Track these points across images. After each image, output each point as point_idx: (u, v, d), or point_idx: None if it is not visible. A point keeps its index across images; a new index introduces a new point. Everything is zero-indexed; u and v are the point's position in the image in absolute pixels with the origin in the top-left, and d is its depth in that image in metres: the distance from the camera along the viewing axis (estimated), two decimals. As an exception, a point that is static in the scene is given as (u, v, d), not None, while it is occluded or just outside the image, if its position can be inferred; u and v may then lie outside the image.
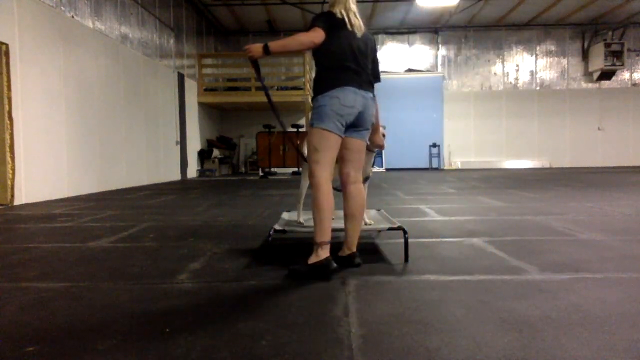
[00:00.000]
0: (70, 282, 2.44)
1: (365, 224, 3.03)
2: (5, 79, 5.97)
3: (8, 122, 5.99)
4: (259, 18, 15.04)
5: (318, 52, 2.57)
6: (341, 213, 2.76)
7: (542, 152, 16.44)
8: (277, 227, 2.97)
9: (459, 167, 16.40)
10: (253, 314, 1.93)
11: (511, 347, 1.57)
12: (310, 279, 2.41)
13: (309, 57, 13.60)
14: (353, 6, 2.62)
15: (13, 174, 6.06)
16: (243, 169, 16.51)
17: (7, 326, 1.83)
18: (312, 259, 2.45)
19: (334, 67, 2.54)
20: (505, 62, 16.60)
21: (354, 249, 2.68)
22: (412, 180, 10.16)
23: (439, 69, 16.55)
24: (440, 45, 16.61)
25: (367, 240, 3.44)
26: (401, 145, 15.49)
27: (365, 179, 3.07)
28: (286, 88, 14.13)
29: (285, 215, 3.52)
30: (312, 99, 2.59)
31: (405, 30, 16.54)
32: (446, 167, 16.38)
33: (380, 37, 16.40)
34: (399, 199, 6.42)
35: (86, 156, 7.76)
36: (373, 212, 3.64)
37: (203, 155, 13.81)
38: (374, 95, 2.67)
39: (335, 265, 2.47)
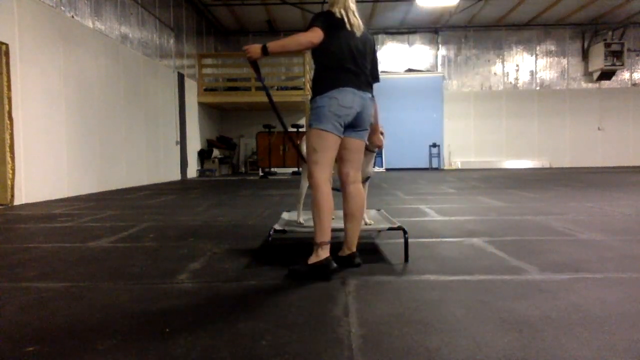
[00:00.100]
0: (70, 282, 2.44)
1: (365, 224, 3.03)
2: (5, 79, 5.97)
3: (8, 122, 5.99)
4: (259, 18, 15.04)
5: (317, 52, 2.57)
6: (341, 213, 2.76)
7: (542, 152, 16.44)
8: (277, 227, 2.97)
9: (459, 167, 16.40)
10: (253, 314, 1.93)
11: (511, 347, 1.57)
12: (310, 279, 2.41)
13: (308, 57, 13.60)
14: (352, 5, 2.62)
15: (13, 174, 6.06)
16: (243, 169, 16.51)
17: (7, 326, 1.83)
18: (312, 259, 2.45)
19: (332, 67, 2.54)
20: (505, 62, 16.60)
21: (354, 249, 2.68)
22: (412, 180, 10.16)
23: (439, 69, 16.55)
24: (440, 45, 16.61)
25: (367, 240, 3.44)
26: (401, 145, 15.49)
27: (366, 179, 3.07)
28: (286, 88, 14.13)
29: (285, 215, 3.52)
30: (311, 100, 2.59)
31: (405, 30, 16.54)
32: (446, 167, 16.38)
33: (380, 37, 16.40)
34: (399, 199, 6.42)
35: (86, 156, 7.76)
36: (373, 212, 3.64)
37: (203, 155, 13.81)
38: (372, 96, 2.67)
39: (335, 265, 2.47)
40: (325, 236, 2.47)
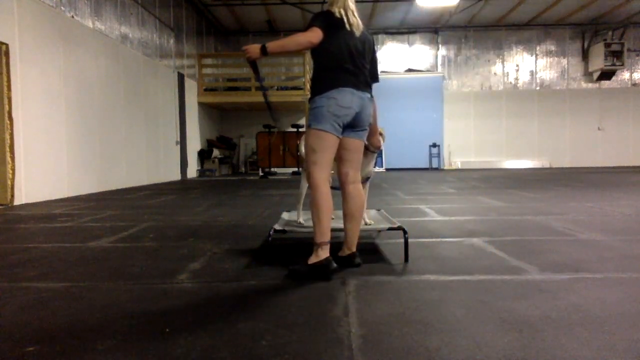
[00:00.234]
0: (70, 282, 2.44)
1: (365, 224, 3.03)
2: (5, 79, 5.97)
3: (8, 122, 5.99)
4: (259, 18, 15.05)
5: (316, 52, 2.57)
6: (341, 213, 2.76)
7: (542, 152, 16.44)
8: (277, 227, 2.97)
9: (459, 167, 16.40)
10: (253, 314, 1.93)
11: (511, 347, 1.57)
12: (310, 279, 2.41)
13: (308, 56, 13.59)
14: (352, 5, 2.62)
15: (13, 174, 6.06)
16: (243, 169, 16.51)
17: (7, 326, 1.83)
18: (312, 259, 2.45)
19: (331, 67, 2.54)
20: (505, 62, 16.60)
21: (354, 249, 2.68)
22: (412, 180, 10.16)
23: (439, 69, 16.55)
24: (440, 45, 16.61)
25: (367, 240, 3.44)
26: (401, 145, 15.50)
27: (366, 179, 3.07)
28: (286, 88, 14.13)
29: (285, 215, 3.52)
30: (310, 100, 2.59)
31: (405, 30, 16.54)
32: (446, 167, 16.38)
33: (380, 37, 16.40)
34: (399, 199, 6.42)
35: (86, 156, 7.76)
36: (373, 212, 3.64)
37: (203, 155, 13.81)
38: (371, 96, 2.67)
39: (335, 265, 2.47)
40: (325, 236, 2.47)
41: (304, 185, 3.12)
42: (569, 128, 16.45)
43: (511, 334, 1.68)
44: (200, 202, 6.25)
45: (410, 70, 16.36)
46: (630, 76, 16.49)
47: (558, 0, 13.80)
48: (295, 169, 13.76)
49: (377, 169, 15.31)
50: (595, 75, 16.21)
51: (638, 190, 7.14)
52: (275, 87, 14.17)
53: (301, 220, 3.19)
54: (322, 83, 2.54)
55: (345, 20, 2.57)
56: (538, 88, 16.58)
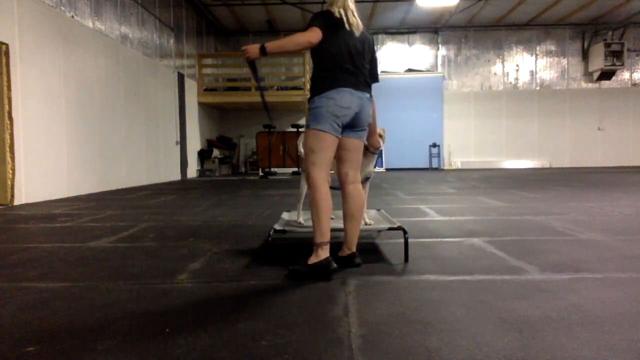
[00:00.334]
0: (70, 282, 2.44)
1: (365, 224, 3.03)
2: (5, 79, 5.97)
3: (8, 122, 5.99)
4: (259, 18, 15.05)
5: (315, 52, 2.57)
6: (341, 213, 2.76)
7: (542, 152, 16.44)
8: (277, 227, 2.97)
9: (459, 167, 16.40)
10: (253, 314, 1.93)
11: (511, 347, 1.57)
12: (310, 279, 2.41)
13: (308, 56, 13.59)
14: (351, 5, 2.61)
15: (13, 174, 6.06)
16: (243, 169, 16.51)
17: (7, 326, 1.83)
18: (312, 260, 2.45)
19: (330, 67, 2.54)
20: (505, 62, 16.60)
21: (354, 249, 2.68)
22: (412, 180, 10.16)
23: (439, 69, 16.55)
24: (440, 45, 16.61)
25: (367, 240, 3.44)
26: (401, 145, 15.50)
27: (366, 179, 3.07)
28: (286, 88, 14.14)
29: (285, 215, 3.52)
30: (309, 100, 2.59)
31: (405, 30, 16.54)
32: (446, 167, 16.38)
33: (380, 37, 16.41)
34: (399, 199, 6.42)
35: (86, 156, 7.76)
36: (373, 212, 3.63)
37: (203, 155, 13.81)
38: (370, 96, 2.66)
39: (335, 265, 2.47)
40: (325, 236, 2.47)
41: (304, 185, 3.12)
42: (569, 128, 16.45)
43: (511, 334, 1.68)
44: (200, 202, 6.25)
45: (410, 70, 16.36)
46: (630, 76, 16.49)
47: (558, 0, 13.80)
48: (295, 169, 13.76)
49: (376, 169, 15.31)
50: (595, 75, 16.22)
51: (638, 190, 7.14)
52: (275, 87, 14.17)
53: (301, 220, 3.19)
54: (321, 83, 2.54)
55: (345, 20, 2.56)
56: (538, 88, 16.58)
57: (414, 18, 15.35)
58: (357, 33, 2.59)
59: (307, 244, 2.98)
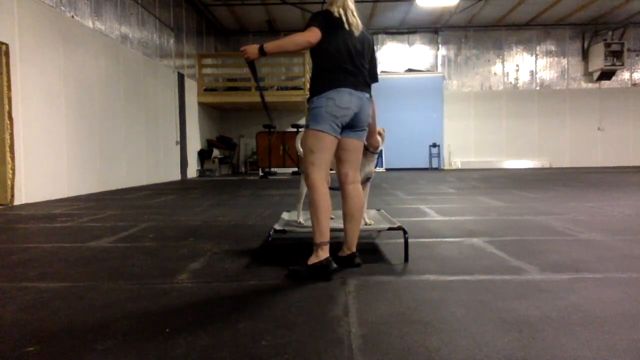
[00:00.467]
0: (70, 282, 2.44)
1: (365, 224, 3.03)
2: (5, 79, 5.97)
3: (8, 122, 5.99)
4: (259, 18, 15.05)
5: (315, 52, 2.56)
6: (341, 213, 2.76)
7: (542, 152, 16.44)
8: (277, 227, 2.97)
9: (459, 167, 16.40)
10: (253, 314, 1.93)
11: (511, 347, 1.57)
12: (310, 279, 2.41)
13: (308, 56, 13.58)
14: (351, 5, 2.61)
15: (13, 174, 6.06)
16: (243, 169, 16.51)
17: (7, 326, 1.83)
18: (312, 260, 2.45)
19: (330, 67, 2.54)
20: (505, 62, 16.60)
21: (354, 249, 2.68)
22: (412, 180, 10.16)
23: (439, 69, 16.55)
24: (440, 45, 16.61)
25: (367, 240, 3.44)
26: (401, 145, 15.50)
27: (367, 180, 3.07)
28: (286, 88, 14.14)
29: (285, 215, 3.52)
30: (308, 100, 2.59)
31: (405, 30, 16.53)
32: (446, 167, 16.38)
33: (380, 37, 16.40)
34: (399, 199, 6.42)
35: (86, 156, 7.76)
36: (373, 212, 3.63)
37: (203, 155, 13.81)
38: (370, 96, 2.66)
39: (335, 265, 2.47)
40: (324, 236, 2.47)
41: (304, 185, 3.12)
42: (569, 128, 16.45)
43: (511, 334, 1.68)
44: (200, 202, 6.25)
45: (410, 70, 16.36)
46: (630, 76, 16.49)
47: (558, 0, 13.79)
48: (295, 169, 13.76)
49: (377, 169, 15.31)
50: (595, 75, 16.22)
51: (638, 190, 7.14)
52: (275, 87, 14.17)
53: (301, 220, 3.19)
54: (321, 83, 2.54)
55: (345, 20, 2.56)
56: (538, 88, 16.58)
57: (414, 18, 15.35)
58: (356, 33, 2.58)
59: (307, 244, 2.97)
